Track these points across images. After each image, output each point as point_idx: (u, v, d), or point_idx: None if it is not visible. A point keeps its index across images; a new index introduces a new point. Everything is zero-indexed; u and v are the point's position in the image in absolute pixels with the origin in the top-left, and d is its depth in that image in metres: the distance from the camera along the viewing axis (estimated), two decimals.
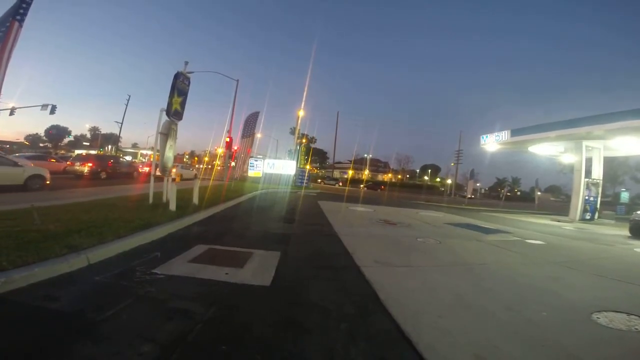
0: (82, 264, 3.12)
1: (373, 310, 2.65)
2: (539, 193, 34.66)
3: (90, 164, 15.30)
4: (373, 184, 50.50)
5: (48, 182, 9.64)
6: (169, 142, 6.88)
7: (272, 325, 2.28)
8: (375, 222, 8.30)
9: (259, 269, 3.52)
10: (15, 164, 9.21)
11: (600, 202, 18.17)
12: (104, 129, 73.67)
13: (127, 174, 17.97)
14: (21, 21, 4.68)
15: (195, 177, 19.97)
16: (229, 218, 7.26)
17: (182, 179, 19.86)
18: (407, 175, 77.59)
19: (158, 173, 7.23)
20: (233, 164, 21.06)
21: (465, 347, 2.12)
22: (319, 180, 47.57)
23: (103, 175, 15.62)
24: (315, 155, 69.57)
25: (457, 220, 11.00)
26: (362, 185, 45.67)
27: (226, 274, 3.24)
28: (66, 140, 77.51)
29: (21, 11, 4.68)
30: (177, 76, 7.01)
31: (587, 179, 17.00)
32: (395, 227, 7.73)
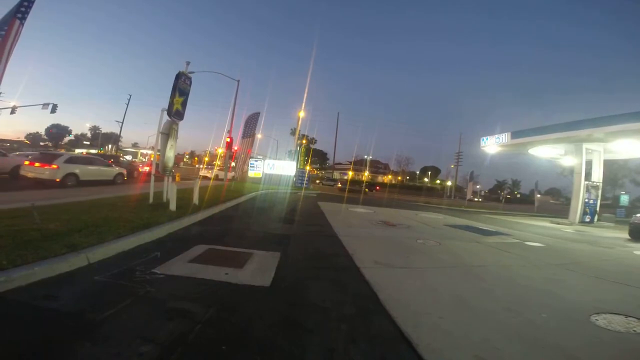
0: (82, 264, 3.12)
1: (373, 311, 2.65)
2: (538, 195, 34.69)
3: None
4: (369, 185, 50.92)
5: (126, 178, 13.65)
6: (170, 142, 6.89)
7: (273, 325, 2.28)
8: (375, 224, 8.30)
9: (259, 269, 3.51)
10: (110, 165, 12.97)
11: (600, 204, 18.16)
12: (105, 129, 73.69)
13: (127, 173, 17.97)
14: (22, 19, 4.69)
15: (234, 178, 20.35)
16: (229, 218, 7.26)
17: (217, 179, 20.84)
18: (407, 177, 77.56)
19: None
20: (233, 164, 21.06)
21: (466, 348, 2.12)
22: (317, 181, 47.47)
23: None
24: (315, 156, 69.62)
25: (457, 222, 11.00)
26: (337, 182, 45.95)
27: (226, 274, 3.24)
28: (67, 139, 77.60)
29: (22, 9, 4.70)
30: (179, 76, 7.02)
31: (587, 182, 17.00)
32: (395, 229, 7.73)
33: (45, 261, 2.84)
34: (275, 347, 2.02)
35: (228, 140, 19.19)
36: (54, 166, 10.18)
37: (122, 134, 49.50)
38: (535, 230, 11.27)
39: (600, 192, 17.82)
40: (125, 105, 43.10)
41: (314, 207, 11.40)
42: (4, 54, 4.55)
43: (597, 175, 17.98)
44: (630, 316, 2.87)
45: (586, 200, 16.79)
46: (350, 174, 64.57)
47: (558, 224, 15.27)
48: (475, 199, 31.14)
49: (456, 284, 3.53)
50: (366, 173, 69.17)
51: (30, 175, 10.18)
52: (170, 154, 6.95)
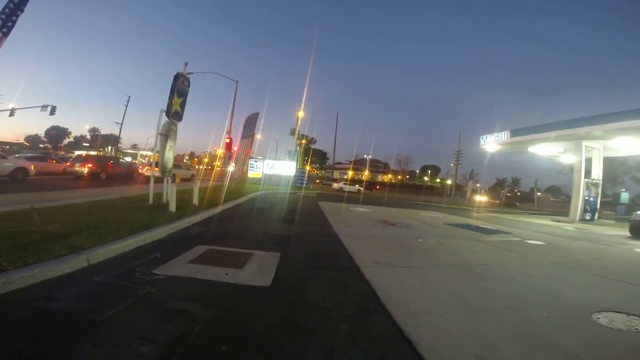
0: (82, 265, 3.11)
1: (373, 311, 2.65)
2: (538, 193, 34.82)
3: (90, 165, 15.31)
4: (369, 184, 50.94)
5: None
6: (169, 143, 6.89)
7: (273, 325, 2.28)
8: (375, 223, 8.30)
9: (259, 269, 3.51)
10: (189, 169, 19.65)
11: (600, 202, 18.16)
12: (104, 130, 73.42)
13: (127, 175, 17.97)
14: None
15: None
16: (228, 219, 7.26)
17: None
18: (407, 176, 77.52)
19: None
20: (233, 164, 21.01)
21: (466, 347, 2.12)
22: (317, 181, 47.41)
23: (103, 176, 15.63)
24: (315, 156, 69.62)
25: (457, 220, 11.00)
26: (357, 186, 46.16)
27: (226, 274, 3.24)
28: (66, 141, 77.46)
29: (2, 16, 4.71)
30: (177, 77, 7.01)
31: (586, 179, 17.02)
32: (395, 228, 7.73)
33: (46, 262, 2.84)
34: (276, 347, 2.02)
35: (227, 140, 19.19)
36: None
37: (121, 136, 49.53)
38: (536, 228, 11.27)
39: (600, 189, 17.84)
40: (125, 107, 43.00)
41: (314, 207, 11.40)
42: None
43: (597, 173, 18.01)
44: (632, 314, 2.86)
45: (586, 197, 16.80)
46: (350, 173, 64.57)
47: (558, 221, 15.26)
48: (479, 198, 30.99)
49: (456, 283, 3.53)
50: (366, 172, 69.18)
51: (147, 173, 16.61)
52: (169, 155, 6.95)
